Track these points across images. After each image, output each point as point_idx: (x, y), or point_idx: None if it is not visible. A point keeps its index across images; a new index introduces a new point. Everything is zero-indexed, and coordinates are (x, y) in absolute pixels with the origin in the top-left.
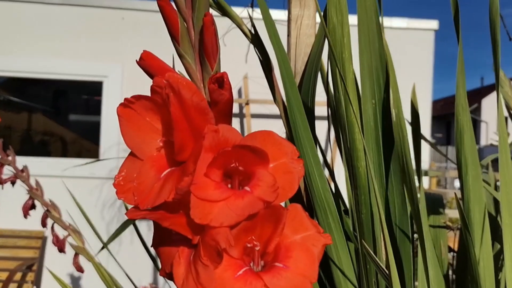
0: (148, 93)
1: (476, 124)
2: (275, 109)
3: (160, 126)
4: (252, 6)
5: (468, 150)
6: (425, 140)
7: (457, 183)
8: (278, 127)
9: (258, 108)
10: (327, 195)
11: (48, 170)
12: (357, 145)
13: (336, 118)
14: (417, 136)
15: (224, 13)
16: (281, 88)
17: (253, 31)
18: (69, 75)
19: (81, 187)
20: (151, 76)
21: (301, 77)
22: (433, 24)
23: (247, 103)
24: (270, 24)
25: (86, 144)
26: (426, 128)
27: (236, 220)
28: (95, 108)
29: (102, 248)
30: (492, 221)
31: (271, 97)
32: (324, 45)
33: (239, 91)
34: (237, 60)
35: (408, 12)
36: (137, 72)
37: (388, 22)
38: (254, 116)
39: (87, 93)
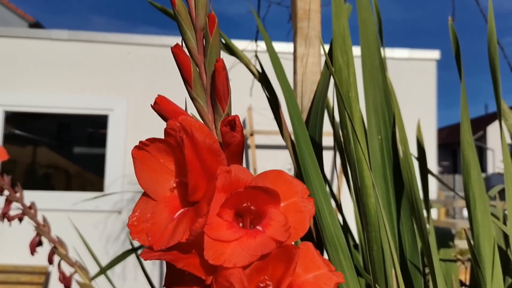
0: (153, 126)
1: (482, 151)
2: (279, 140)
3: (174, 167)
4: (256, 40)
5: (475, 185)
6: (432, 174)
7: (466, 213)
8: (283, 158)
9: (263, 139)
10: (337, 232)
11: (52, 204)
12: (366, 182)
13: (343, 153)
14: (424, 171)
15: (232, 53)
16: (288, 123)
17: (259, 69)
18: (75, 109)
19: (85, 221)
20: (165, 119)
21: (307, 114)
22: (435, 54)
23: (251, 134)
24: (276, 63)
25: (90, 177)
26: (432, 156)
27: (249, 261)
28: (99, 141)
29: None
30: (503, 255)
31: (275, 128)
32: (329, 82)
33: (244, 122)
34: (241, 92)
35: (409, 41)
36: (142, 105)
37: (390, 53)
38: (259, 147)
39: (92, 126)
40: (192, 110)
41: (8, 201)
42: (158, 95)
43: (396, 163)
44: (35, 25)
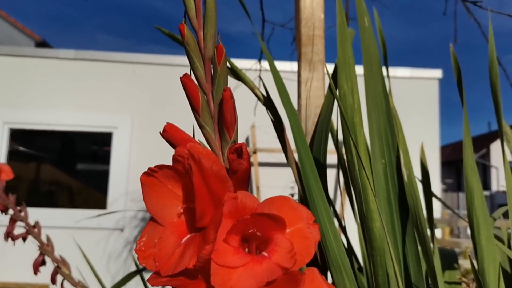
0: (156, 144)
1: (486, 169)
2: (282, 158)
3: (181, 193)
4: (260, 61)
5: (479, 210)
6: (437, 198)
7: (469, 231)
8: (286, 176)
9: (266, 156)
10: (342, 256)
11: (55, 222)
12: (371, 207)
13: (347, 174)
14: (429, 193)
15: (237, 77)
16: (292, 146)
17: (263, 90)
18: (80, 127)
19: (87, 238)
20: (173, 146)
21: (311, 137)
22: (437, 73)
23: (254, 152)
24: (281, 87)
25: (93, 194)
26: (435, 174)
27: (256, 287)
28: (103, 158)
29: None
30: (508, 278)
31: (278, 146)
32: (333, 106)
33: (247, 140)
34: (245, 110)
35: (411, 59)
36: (147, 123)
37: (392, 72)
38: (262, 164)
39: (96, 143)
40: (199, 137)
41: (13, 220)
42: (167, 122)
43: (401, 187)
44: (42, 43)
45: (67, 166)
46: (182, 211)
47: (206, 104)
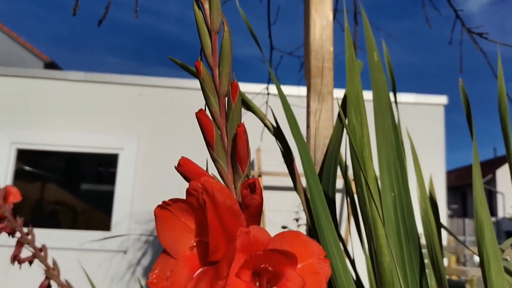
0: (162, 166)
1: (492, 195)
2: (287, 181)
3: (194, 227)
4: (267, 88)
5: (489, 245)
6: (446, 230)
7: (476, 259)
8: (291, 199)
9: (271, 180)
10: None
11: (59, 243)
12: (381, 241)
13: (354, 203)
14: (438, 225)
15: (248, 107)
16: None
17: (273, 122)
18: (86, 148)
19: (90, 260)
20: (187, 179)
21: (320, 167)
22: (442, 99)
23: (259, 175)
24: (290, 117)
25: (97, 214)
26: (441, 200)
27: None
28: (108, 179)
29: None
30: None
31: (284, 169)
32: (342, 137)
33: (252, 163)
34: (251, 134)
35: (416, 84)
36: (152, 145)
37: (397, 97)
38: (267, 188)
39: (101, 164)
40: (213, 170)
41: (20, 244)
42: (182, 156)
43: (411, 220)
44: (51, 64)
45: (72, 186)
46: (195, 244)
47: (220, 138)
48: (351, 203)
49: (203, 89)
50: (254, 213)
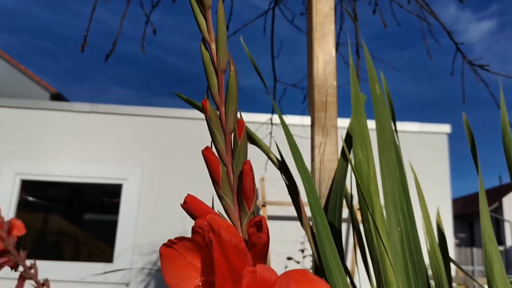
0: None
1: (499, 223)
2: (291, 211)
3: (200, 266)
4: (272, 117)
5: (499, 281)
6: (455, 263)
7: None
8: (295, 229)
9: (275, 209)
10: None
11: (61, 275)
12: (389, 277)
13: (360, 234)
14: (446, 259)
15: (253, 142)
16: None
17: (278, 156)
18: (91, 178)
19: None
20: (193, 217)
21: (326, 200)
22: (445, 128)
23: (263, 205)
24: (295, 151)
25: (99, 245)
26: (448, 229)
27: None
28: (111, 209)
29: None
30: None
31: (287, 199)
32: (347, 170)
33: (256, 193)
34: (255, 163)
35: (419, 114)
36: (157, 175)
37: (400, 126)
38: (271, 218)
39: (105, 194)
40: (218, 207)
41: (22, 278)
42: (188, 194)
43: (418, 254)
44: (57, 95)
45: (75, 217)
46: (200, 284)
47: (226, 176)
48: (357, 235)
49: (209, 126)
50: (261, 251)
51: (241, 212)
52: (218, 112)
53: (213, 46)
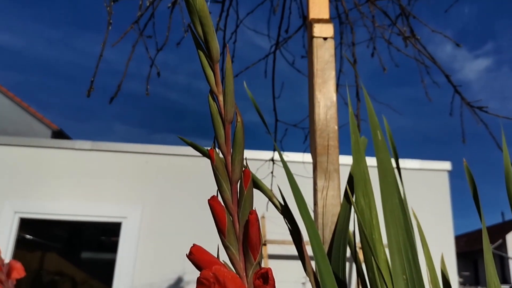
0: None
1: (503, 261)
2: (292, 250)
3: None
4: (273, 157)
5: None
6: None
7: None
8: (297, 268)
9: (276, 248)
10: None
11: None
12: None
13: (364, 281)
14: None
15: (256, 186)
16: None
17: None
18: (90, 217)
19: None
20: (199, 268)
21: (329, 246)
22: (446, 165)
23: (264, 244)
24: (299, 196)
25: (97, 285)
26: (452, 268)
27: None
28: (110, 248)
29: None
30: None
31: (288, 238)
32: (350, 215)
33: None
34: (255, 201)
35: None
36: (157, 213)
37: (401, 163)
38: (272, 257)
39: (103, 233)
40: (223, 256)
41: None
42: (194, 244)
43: None
44: (59, 133)
45: (72, 255)
46: None
47: (232, 225)
48: (362, 281)
49: (215, 175)
50: None
51: (247, 262)
52: (224, 161)
53: (221, 98)
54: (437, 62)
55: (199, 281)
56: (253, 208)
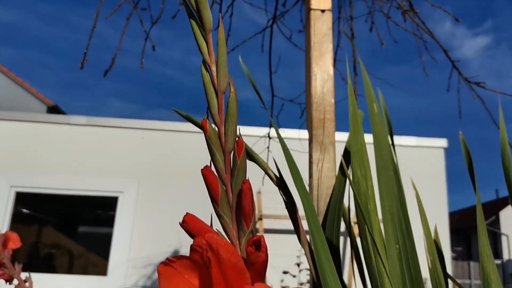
0: (161, 210)
1: (496, 237)
2: (288, 224)
3: (198, 284)
4: (269, 132)
5: None
6: (453, 281)
7: None
8: (292, 242)
9: (272, 223)
10: None
11: None
12: None
13: (358, 252)
14: (444, 274)
15: (251, 158)
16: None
17: (277, 174)
18: (86, 191)
19: None
20: (192, 236)
21: (323, 217)
22: (442, 142)
23: (260, 218)
24: (294, 169)
25: (94, 258)
26: (445, 243)
27: None
28: (106, 222)
29: None
30: None
31: (284, 212)
32: (345, 187)
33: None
34: (252, 177)
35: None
36: (153, 188)
37: (397, 140)
38: (267, 231)
39: (100, 207)
40: (217, 226)
41: None
42: (187, 213)
43: (416, 272)
44: (54, 108)
45: (69, 229)
46: None
47: (225, 194)
48: (355, 251)
49: (209, 146)
50: (259, 270)
51: (240, 231)
52: (217, 132)
53: (214, 68)
54: (435, 37)
55: (192, 249)
56: (246, 178)
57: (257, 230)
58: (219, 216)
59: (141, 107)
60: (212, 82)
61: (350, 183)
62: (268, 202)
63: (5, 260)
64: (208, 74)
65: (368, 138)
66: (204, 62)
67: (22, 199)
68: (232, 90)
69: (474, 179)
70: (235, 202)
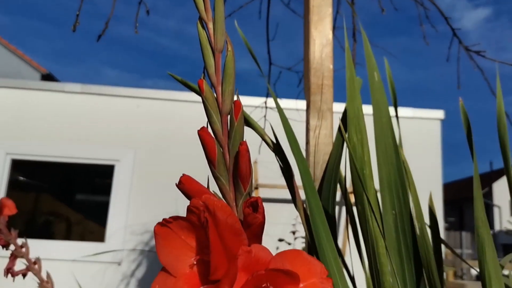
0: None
1: (488, 208)
2: (284, 193)
3: (195, 245)
4: (266, 101)
5: (491, 264)
6: (446, 245)
7: (474, 272)
8: (288, 212)
9: (268, 192)
10: None
11: (52, 254)
12: (382, 260)
13: (353, 217)
14: (437, 241)
15: (247, 124)
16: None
17: (273, 139)
18: (82, 159)
19: (84, 271)
20: (189, 197)
21: (320, 183)
22: (439, 113)
23: (256, 188)
24: (291, 135)
25: (91, 225)
26: (439, 213)
27: None
28: (103, 190)
29: None
30: None
31: (280, 182)
32: (341, 154)
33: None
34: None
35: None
36: (149, 157)
37: (393, 111)
38: (264, 200)
39: (97, 175)
40: (214, 188)
41: (14, 257)
42: (183, 174)
43: (411, 237)
44: (48, 76)
45: (67, 197)
46: (195, 262)
47: (222, 156)
48: (350, 217)
49: (205, 107)
50: (256, 232)
51: (237, 192)
52: (214, 93)
53: (211, 26)
54: (435, 3)
55: (189, 210)
56: (244, 140)
57: (251, 187)
58: (216, 178)
59: (137, 76)
60: (209, 40)
61: (348, 147)
62: (265, 171)
63: (1, 226)
64: (204, 32)
65: (367, 109)
66: (201, 19)
67: (18, 166)
68: (229, 49)
69: (472, 144)
70: (232, 164)
